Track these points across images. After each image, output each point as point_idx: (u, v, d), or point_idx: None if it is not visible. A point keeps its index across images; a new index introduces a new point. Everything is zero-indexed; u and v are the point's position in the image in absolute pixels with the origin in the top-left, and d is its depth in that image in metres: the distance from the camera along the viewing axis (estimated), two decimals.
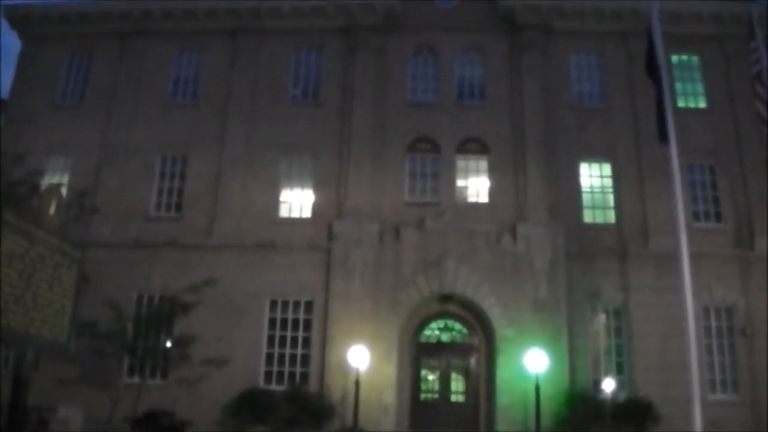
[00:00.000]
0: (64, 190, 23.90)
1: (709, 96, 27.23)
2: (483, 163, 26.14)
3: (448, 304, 24.94)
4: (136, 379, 23.38)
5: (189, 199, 26.25)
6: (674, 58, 27.00)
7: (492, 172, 25.99)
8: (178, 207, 26.35)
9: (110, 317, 22.05)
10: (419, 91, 27.45)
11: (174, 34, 28.55)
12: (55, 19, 28.87)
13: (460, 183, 26.04)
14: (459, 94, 27.23)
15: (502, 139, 26.23)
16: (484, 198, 25.86)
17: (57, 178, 25.82)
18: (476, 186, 26.06)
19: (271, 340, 24.47)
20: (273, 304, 24.77)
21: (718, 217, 25.70)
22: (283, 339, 24.49)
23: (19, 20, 28.95)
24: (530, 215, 24.90)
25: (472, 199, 25.91)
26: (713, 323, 24.33)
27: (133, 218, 25.89)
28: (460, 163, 26.22)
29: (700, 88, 27.50)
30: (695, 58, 27.86)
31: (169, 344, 23.50)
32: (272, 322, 24.65)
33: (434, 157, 26.25)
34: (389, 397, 23.32)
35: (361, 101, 26.66)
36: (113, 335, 21.98)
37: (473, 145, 26.28)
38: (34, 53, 28.91)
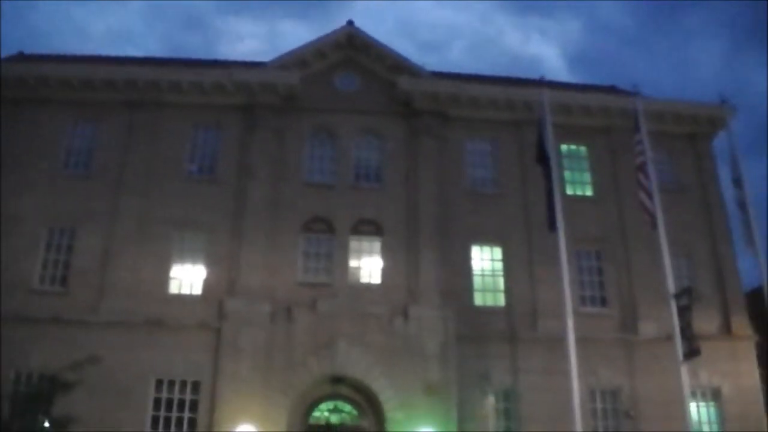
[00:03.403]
0: None
1: (596, 185, 28.34)
2: (377, 245, 26.34)
3: (340, 386, 24.68)
4: None
5: (76, 273, 25.37)
6: (564, 147, 28.24)
7: (385, 254, 26.18)
8: (64, 281, 25.40)
9: None
10: (316, 171, 27.59)
11: (70, 103, 27.99)
12: None
13: (353, 264, 26.09)
14: (356, 176, 27.51)
15: (396, 222, 26.56)
16: (377, 279, 25.93)
17: None
18: (369, 267, 26.15)
19: (155, 421, 23.60)
20: (159, 384, 23.97)
21: (604, 301, 26.51)
22: (168, 420, 23.67)
23: None
24: (422, 297, 25.11)
25: (365, 280, 25.95)
26: (599, 405, 24.90)
27: (14, 291, 24.69)
28: (354, 244, 26.33)
29: (587, 177, 28.58)
30: (583, 149, 29.04)
31: (47, 425, 22.43)
32: (157, 403, 23.80)
33: (329, 237, 26.28)
34: None
35: (257, 179, 26.63)
36: None
37: (368, 227, 26.48)
38: None
